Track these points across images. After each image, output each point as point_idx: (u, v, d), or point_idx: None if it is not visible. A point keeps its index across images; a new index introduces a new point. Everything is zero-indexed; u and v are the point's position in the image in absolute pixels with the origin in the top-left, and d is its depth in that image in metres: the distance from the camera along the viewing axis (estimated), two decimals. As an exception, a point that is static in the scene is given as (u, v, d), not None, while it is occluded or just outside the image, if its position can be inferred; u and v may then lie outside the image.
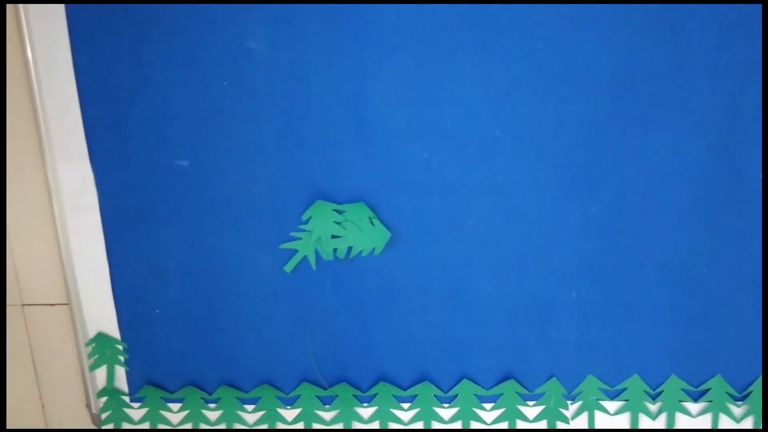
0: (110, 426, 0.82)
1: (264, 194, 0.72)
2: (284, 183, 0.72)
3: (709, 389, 0.79)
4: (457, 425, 0.81)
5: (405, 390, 0.80)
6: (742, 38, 0.66)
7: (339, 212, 0.72)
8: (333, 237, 0.72)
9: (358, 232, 0.72)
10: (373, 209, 0.72)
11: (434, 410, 0.81)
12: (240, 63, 0.67)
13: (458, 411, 0.80)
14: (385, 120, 0.69)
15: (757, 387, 0.78)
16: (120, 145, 0.71)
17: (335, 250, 0.73)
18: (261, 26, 0.66)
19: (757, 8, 0.64)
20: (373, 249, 0.73)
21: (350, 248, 0.73)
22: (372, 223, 0.72)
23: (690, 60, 0.66)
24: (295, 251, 0.74)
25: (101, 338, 0.79)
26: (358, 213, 0.71)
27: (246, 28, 0.66)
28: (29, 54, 0.67)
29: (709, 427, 0.80)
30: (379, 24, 0.66)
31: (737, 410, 0.79)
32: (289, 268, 0.74)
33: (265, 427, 0.82)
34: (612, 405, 0.80)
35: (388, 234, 0.72)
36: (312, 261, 0.73)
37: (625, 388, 0.79)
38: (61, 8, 0.66)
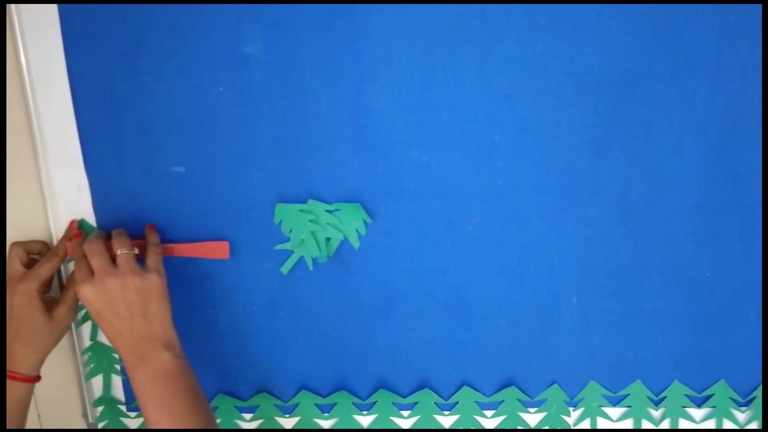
0: (107, 435, 0.81)
1: (260, 200, 0.71)
2: (281, 188, 0.71)
3: (712, 395, 0.78)
4: None
5: (405, 397, 0.79)
6: (744, 40, 0.65)
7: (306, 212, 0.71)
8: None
9: (337, 225, 0.71)
10: (371, 214, 0.71)
11: (435, 418, 0.80)
12: (236, 68, 0.67)
13: (459, 418, 0.80)
14: (383, 124, 0.68)
15: (761, 393, 0.77)
16: (115, 150, 0.70)
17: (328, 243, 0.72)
18: (257, 31, 0.66)
19: (758, 9, 0.64)
20: (358, 232, 0.72)
21: (329, 240, 0.72)
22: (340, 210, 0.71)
23: (691, 62, 0.66)
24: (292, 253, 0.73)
25: (97, 347, 0.78)
26: (317, 209, 0.71)
27: (242, 33, 0.66)
28: (23, 59, 0.67)
29: (713, 433, 0.79)
30: (376, 27, 0.65)
31: (741, 416, 0.79)
32: (285, 269, 0.73)
33: None
34: (614, 411, 0.80)
35: (362, 211, 0.71)
36: (309, 261, 0.72)
37: (628, 394, 0.79)
38: (54, 14, 0.65)
